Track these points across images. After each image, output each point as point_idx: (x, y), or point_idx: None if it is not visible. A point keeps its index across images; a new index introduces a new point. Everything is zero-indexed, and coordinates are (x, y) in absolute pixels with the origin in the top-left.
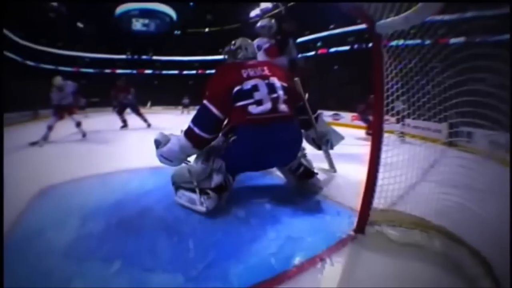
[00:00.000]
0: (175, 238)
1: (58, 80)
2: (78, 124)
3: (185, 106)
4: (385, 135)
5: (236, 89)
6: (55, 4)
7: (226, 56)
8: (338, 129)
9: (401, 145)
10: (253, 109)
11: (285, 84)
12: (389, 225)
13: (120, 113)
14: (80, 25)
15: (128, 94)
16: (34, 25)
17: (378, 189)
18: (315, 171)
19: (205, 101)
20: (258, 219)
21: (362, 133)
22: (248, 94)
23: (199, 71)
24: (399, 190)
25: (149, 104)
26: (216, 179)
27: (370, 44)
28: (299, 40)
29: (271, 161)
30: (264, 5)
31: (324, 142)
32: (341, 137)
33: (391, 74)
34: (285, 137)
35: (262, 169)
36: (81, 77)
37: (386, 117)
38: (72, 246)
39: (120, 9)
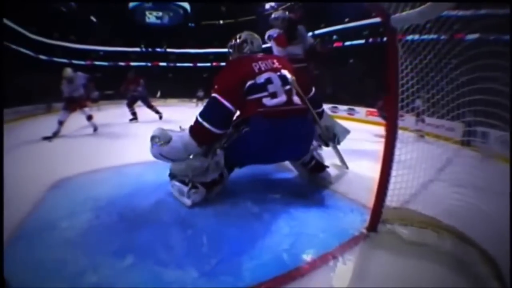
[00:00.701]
0: (189, 232)
1: (68, 71)
2: (90, 118)
3: (200, 98)
4: (399, 132)
5: (249, 83)
6: None
7: (231, 50)
8: (353, 124)
9: (414, 143)
10: (268, 101)
11: (294, 78)
12: (401, 224)
13: (130, 105)
14: (93, 19)
15: (138, 86)
16: (46, 20)
17: (391, 186)
18: (326, 165)
19: (215, 95)
20: (272, 214)
21: (377, 129)
22: (262, 87)
23: (214, 64)
24: (411, 188)
25: (158, 93)
26: (212, 174)
27: (385, 38)
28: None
29: (283, 154)
30: None
31: (331, 137)
32: (347, 131)
33: (406, 69)
34: (300, 130)
35: (273, 162)
36: (95, 70)
37: (400, 113)
38: (85, 238)
39: (134, 2)
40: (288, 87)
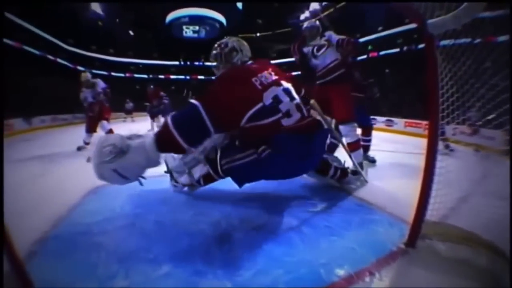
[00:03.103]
0: (227, 244)
1: (87, 75)
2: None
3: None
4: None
5: (258, 107)
6: (100, 12)
7: (216, 62)
8: (392, 136)
9: (454, 154)
10: (286, 122)
11: (290, 83)
12: (440, 239)
13: (152, 118)
14: (131, 33)
15: (161, 99)
16: (83, 32)
17: (431, 200)
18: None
19: (201, 108)
20: (311, 228)
21: (416, 140)
22: (273, 109)
23: None
24: (451, 202)
25: (185, 92)
26: (187, 179)
27: (420, 46)
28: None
29: (305, 168)
30: (312, 7)
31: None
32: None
33: (446, 77)
34: (319, 142)
35: (293, 177)
36: (135, 82)
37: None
38: (119, 244)
39: (170, 16)
40: (295, 101)
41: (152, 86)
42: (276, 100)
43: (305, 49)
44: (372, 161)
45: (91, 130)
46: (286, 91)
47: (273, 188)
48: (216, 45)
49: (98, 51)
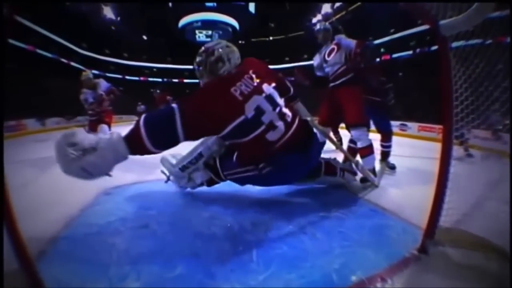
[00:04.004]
0: (240, 247)
1: (88, 74)
2: None
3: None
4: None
5: (239, 120)
6: (113, 17)
7: (200, 72)
8: (405, 140)
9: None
10: (271, 136)
11: (274, 84)
12: (453, 245)
13: None
14: (144, 37)
15: (168, 103)
16: (97, 37)
17: (445, 206)
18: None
19: (177, 113)
20: (324, 233)
21: (430, 145)
22: (256, 122)
23: None
24: (465, 207)
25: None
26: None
27: (433, 47)
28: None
29: (303, 173)
30: (324, 10)
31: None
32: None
33: (460, 80)
34: (312, 146)
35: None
36: (149, 86)
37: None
38: (131, 245)
39: (183, 21)
40: (278, 108)
41: (158, 91)
42: (259, 110)
43: (316, 58)
44: (392, 167)
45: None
46: (269, 98)
47: (286, 192)
48: (201, 50)
49: (112, 55)
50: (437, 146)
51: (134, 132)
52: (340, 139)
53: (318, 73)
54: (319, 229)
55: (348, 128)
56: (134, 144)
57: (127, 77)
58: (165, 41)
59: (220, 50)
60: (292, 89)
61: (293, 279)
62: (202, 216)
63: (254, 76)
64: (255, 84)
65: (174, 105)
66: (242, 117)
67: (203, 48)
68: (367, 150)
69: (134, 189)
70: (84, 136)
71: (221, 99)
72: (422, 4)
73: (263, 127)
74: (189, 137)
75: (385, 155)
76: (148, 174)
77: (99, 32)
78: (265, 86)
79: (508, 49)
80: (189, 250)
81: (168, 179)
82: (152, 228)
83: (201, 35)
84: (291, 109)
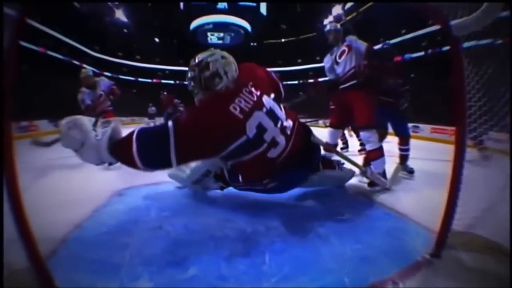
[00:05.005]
0: (252, 249)
1: (88, 71)
2: None
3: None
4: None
5: (239, 142)
6: (125, 20)
7: (194, 85)
8: (418, 143)
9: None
10: (272, 153)
11: (273, 94)
12: (465, 249)
13: None
14: (156, 40)
15: (176, 107)
16: (109, 40)
17: (458, 209)
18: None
19: (171, 134)
20: (337, 236)
21: (442, 147)
22: (257, 141)
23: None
24: (478, 211)
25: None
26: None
27: (445, 48)
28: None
29: (306, 177)
30: (335, 11)
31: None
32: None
33: (472, 81)
34: (311, 155)
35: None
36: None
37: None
38: (144, 245)
39: (194, 23)
40: (279, 122)
41: (165, 93)
42: (260, 128)
43: (327, 59)
44: (410, 171)
45: None
46: (270, 113)
47: (300, 195)
48: (193, 63)
49: (125, 57)
50: (451, 148)
51: (125, 145)
52: (346, 142)
53: (329, 75)
54: (332, 232)
55: (355, 130)
56: (122, 158)
57: (140, 79)
58: (177, 43)
59: (216, 63)
60: (283, 94)
61: (305, 282)
62: (215, 218)
63: (253, 88)
64: (255, 98)
65: (169, 124)
66: (244, 138)
67: (195, 60)
68: (377, 153)
69: (147, 190)
70: (80, 128)
71: (219, 119)
72: (433, 4)
73: (264, 146)
74: (183, 160)
75: (403, 158)
76: (161, 175)
77: (111, 35)
78: (265, 99)
79: None
80: (202, 252)
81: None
82: (166, 230)
83: (213, 37)
84: (289, 114)
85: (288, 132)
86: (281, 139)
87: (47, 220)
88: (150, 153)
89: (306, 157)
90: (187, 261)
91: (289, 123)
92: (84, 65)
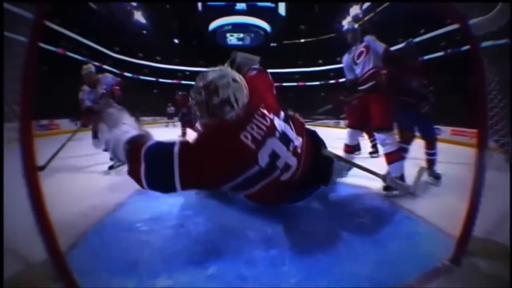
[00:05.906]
0: (273, 250)
1: (90, 67)
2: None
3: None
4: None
5: (250, 173)
6: (143, 21)
7: (200, 111)
8: (438, 145)
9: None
10: (284, 176)
11: (282, 113)
12: (486, 257)
13: (183, 126)
14: (176, 41)
15: (189, 107)
16: (128, 41)
17: (479, 215)
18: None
19: (176, 164)
20: (357, 240)
21: (463, 150)
22: (270, 169)
23: (300, 83)
24: (499, 217)
25: None
26: None
27: (463, 48)
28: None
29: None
30: (354, 12)
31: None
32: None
33: (493, 82)
34: (321, 168)
35: None
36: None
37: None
38: (164, 243)
39: (213, 24)
40: (291, 144)
41: (180, 93)
42: (274, 156)
43: (345, 58)
44: (437, 177)
45: (94, 136)
46: (282, 137)
47: (321, 199)
48: (200, 85)
49: (144, 59)
50: (472, 152)
51: (135, 160)
52: (358, 144)
53: (348, 76)
54: (352, 235)
55: (367, 131)
56: (131, 170)
57: (160, 80)
58: (196, 44)
59: (226, 89)
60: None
61: (324, 284)
62: (236, 218)
63: (265, 111)
64: (268, 122)
65: (176, 147)
66: (256, 168)
67: (201, 81)
68: (394, 156)
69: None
70: (113, 116)
71: (228, 149)
72: (451, 4)
73: (277, 172)
74: (186, 187)
75: (430, 163)
76: None
77: (130, 36)
78: (277, 122)
79: None
80: (222, 251)
81: None
82: (188, 228)
83: (232, 38)
84: (297, 126)
85: (299, 151)
86: (293, 161)
87: (68, 214)
88: (155, 177)
89: (318, 173)
90: (207, 260)
91: (299, 141)
92: (88, 61)
